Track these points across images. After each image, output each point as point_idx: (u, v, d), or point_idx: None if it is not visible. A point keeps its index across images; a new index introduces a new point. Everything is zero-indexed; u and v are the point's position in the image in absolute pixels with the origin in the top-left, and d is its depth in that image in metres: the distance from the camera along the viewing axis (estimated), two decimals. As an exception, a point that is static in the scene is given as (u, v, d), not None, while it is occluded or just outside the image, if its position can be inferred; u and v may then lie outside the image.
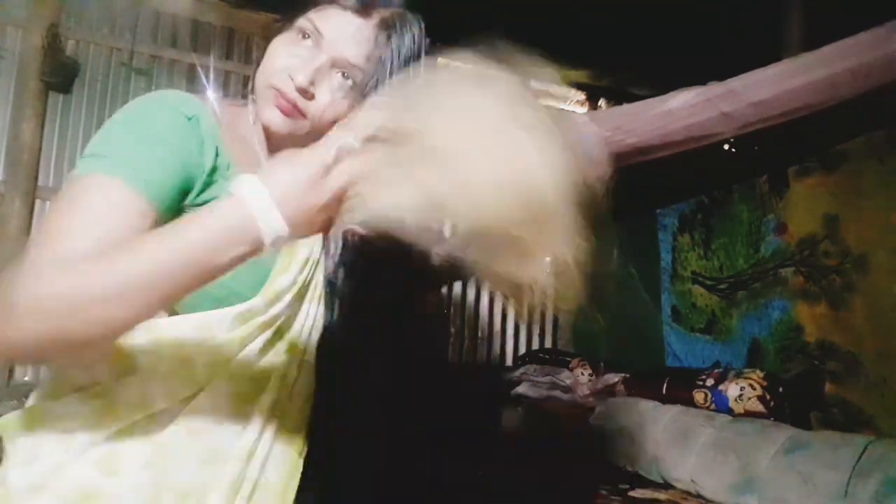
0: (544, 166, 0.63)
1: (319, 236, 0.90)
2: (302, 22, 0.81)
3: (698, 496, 2.32)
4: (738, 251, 2.98)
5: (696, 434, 2.43)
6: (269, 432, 0.82)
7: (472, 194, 0.60)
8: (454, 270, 0.69)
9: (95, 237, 0.64)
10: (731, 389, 2.49)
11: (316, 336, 0.88)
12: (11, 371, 3.10)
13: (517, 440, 3.21)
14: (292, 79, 0.79)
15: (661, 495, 2.35)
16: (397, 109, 0.65)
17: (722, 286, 3.05)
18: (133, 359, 0.76)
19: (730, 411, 2.48)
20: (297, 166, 0.64)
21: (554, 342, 4.39)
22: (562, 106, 4.29)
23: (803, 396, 2.46)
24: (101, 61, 3.33)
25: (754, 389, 2.42)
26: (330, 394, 0.89)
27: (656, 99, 2.51)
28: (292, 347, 0.84)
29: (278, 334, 0.83)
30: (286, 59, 0.81)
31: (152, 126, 0.74)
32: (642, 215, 3.59)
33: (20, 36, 3.17)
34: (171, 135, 0.74)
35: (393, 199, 0.61)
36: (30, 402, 0.78)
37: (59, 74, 3.15)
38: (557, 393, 3.37)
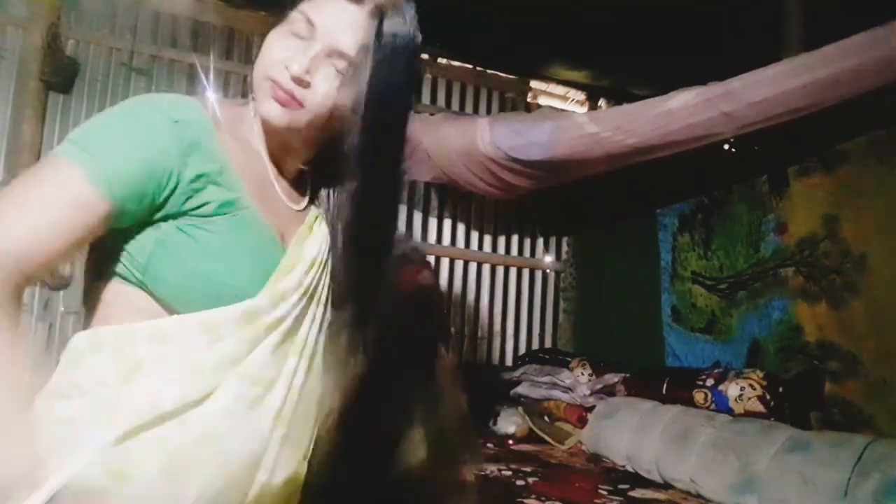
0: None
1: (326, 236, 0.90)
2: (295, 14, 0.82)
3: (698, 496, 2.32)
4: (738, 251, 2.98)
5: (696, 434, 2.43)
6: (278, 435, 0.82)
7: None
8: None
9: (32, 221, 0.68)
10: (731, 389, 2.49)
11: (323, 339, 0.88)
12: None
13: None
14: (288, 69, 0.79)
15: (661, 495, 2.35)
16: None
17: (722, 286, 3.05)
18: (139, 360, 0.76)
19: (730, 411, 2.48)
20: None
21: (554, 342, 4.39)
22: (562, 106, 4.30)
23: (803, 396, 2.46)
24: (101, 61, 3.33)
25: (754, 389, 2.42)
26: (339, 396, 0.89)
27: (656, 99, 2.52)
28: (300, 350, 0.84)
29: (286, 336, 0.82)
30: (281, 51, 0.81)
31: (133, 125, 0.74)
32: (642, 215, 3.59)
33: (20, 36, 3.17)
34: (150, 137, 0.74)
35: None
36: (36, 403, 0.78)
37: (59, 74, 3.15)
38: (557, 393, 3.37)
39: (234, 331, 0.78)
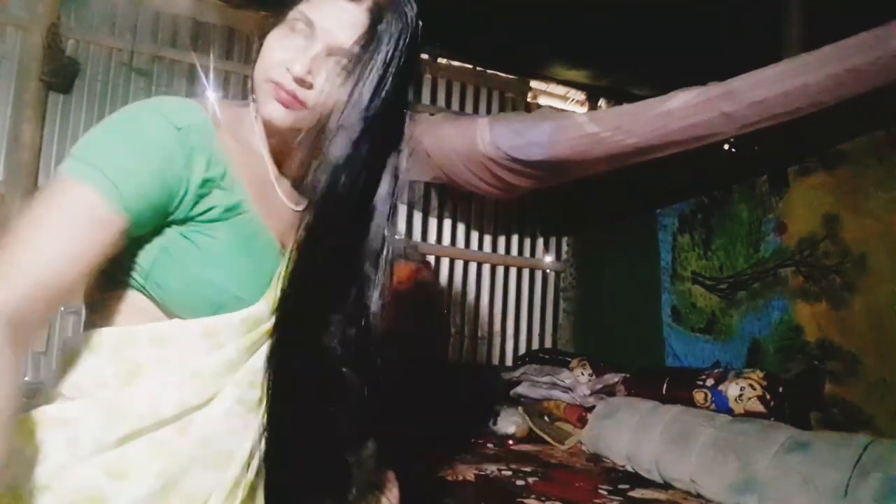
0: None
1: None
2: (294, 14, 0.82)
3: (698, 496, 2.32)
4: (738, 251, 2.98)
5: (696, 434, 2.43)
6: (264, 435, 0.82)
7: None
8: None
9: (53, 250, 0.66)
10: (731, 389, 2.49)
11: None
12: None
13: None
14: (289, 70, 0.79)
15: (661, 495, 2.35)
16: None
17: (722, 286, 3.05)
18: (139, 363, 0.76)
19: (730, 411, 2.48)
20: None
21: (554, 342, 4.39)
22: (562, 106, 4.30)
23: (803, 396, 2.46)
24: (101, 61, 3.32)
25: (754, 389, 2.42)
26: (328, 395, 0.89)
27: (656, 99, 2.52)
28: None
29: None
30: (281, 52, 0.81)
31: (138, 135, 0.73)
32: (642, 215, 3.59)
33: (20, 36, 3.17)
34: (156, 146, 0.73)
35: None
36: (36, 403, 0.78)
37: (59, 74, 3.15)
38: (557, 393, 3.37)
39: (234, 337, 0.78)
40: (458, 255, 4.16)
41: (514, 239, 4.36)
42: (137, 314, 0.78)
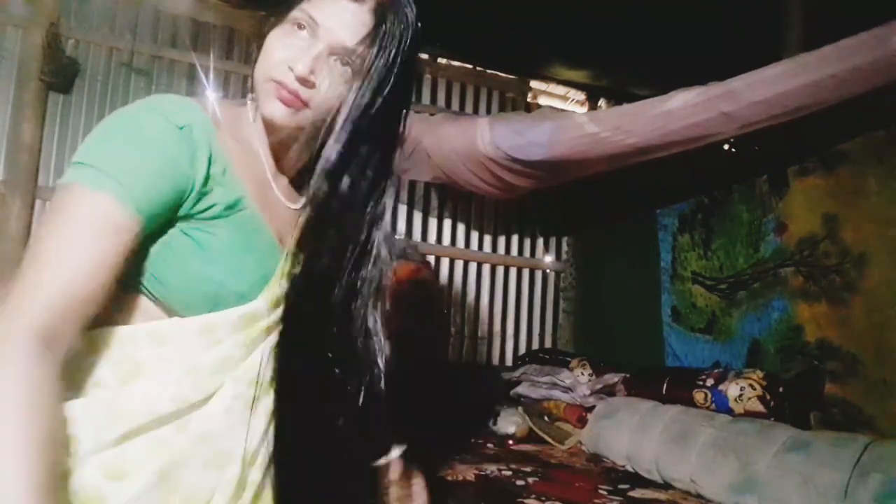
0: None
1: None
2: (296, 13, 0.81)
3: (698, 496, 2.32)
4: (738, 251, 2.98)
5: (696, 434, 2.43)
6: (272, 435, 0.82)
7: None
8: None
9: (73, 264, 0.66)
10: (731, 389, 2.49)
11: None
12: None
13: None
14: (292, 70, 0.79)
15: (661, 495, 2.35)
16: None
17: (722, 286, 3.05)
18: (139, 362, 0.76)
19: (730, 411, 2.48)
20: None
21: (554, 342, 4.39)
22: (562, 106, 4.30)
23: (803, 396, 2.46)
24: (101, 61, 3.32)
25: (754, 389, 2.42)
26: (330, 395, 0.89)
27: (656, 99, 2.52)
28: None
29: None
30: (283, 51, 0.81)
31: (142, 137, 0.73)
32: (642, 215, 3.59)
33: (20, 36, 3.17)
34: (161, 146, 0.73)
35: None
36: None
37: (59, 74, 3.15)
38: (557, 393, 3.37)
39: (233, 334, 0.78)
40: (458, 255, 4.16)
41: (514, 239, 4.36)
42: (136, 314, 0.78)
